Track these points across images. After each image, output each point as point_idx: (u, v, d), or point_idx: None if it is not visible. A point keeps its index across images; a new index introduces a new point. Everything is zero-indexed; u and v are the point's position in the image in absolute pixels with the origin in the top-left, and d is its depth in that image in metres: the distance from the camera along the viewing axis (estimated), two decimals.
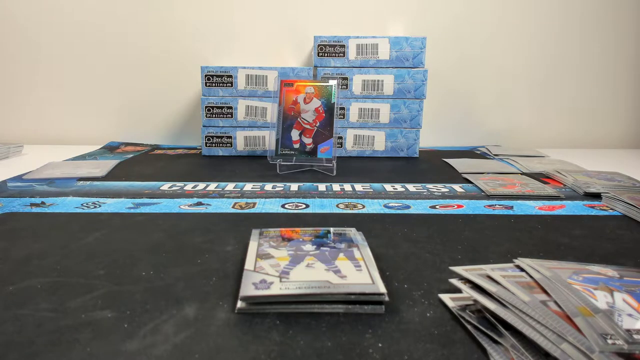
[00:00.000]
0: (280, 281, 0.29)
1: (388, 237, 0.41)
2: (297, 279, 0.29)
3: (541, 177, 0.66)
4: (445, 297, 0.29)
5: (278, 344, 0.25)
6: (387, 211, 0.49)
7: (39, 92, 0.96)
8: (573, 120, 1.00)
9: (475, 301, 0.27)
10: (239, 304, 0.28)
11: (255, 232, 0.38)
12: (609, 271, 0.29)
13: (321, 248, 0.35)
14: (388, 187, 0.60)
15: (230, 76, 0.80)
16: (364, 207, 0.51)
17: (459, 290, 0.29)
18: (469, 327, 0.26)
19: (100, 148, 0.90)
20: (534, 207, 0.51)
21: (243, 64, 0.92)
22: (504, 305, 0.25)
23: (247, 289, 0.28)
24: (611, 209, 0.51)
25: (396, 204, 0.52)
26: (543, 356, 0.22)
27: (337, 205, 0.51)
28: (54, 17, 0.92)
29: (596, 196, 0.56)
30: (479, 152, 0.90)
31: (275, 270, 0.31)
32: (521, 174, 0.68)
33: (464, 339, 0.25)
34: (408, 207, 0.51)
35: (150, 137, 0.97)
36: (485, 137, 0.99)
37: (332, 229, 0.39)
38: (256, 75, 0.80)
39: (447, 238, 0.41)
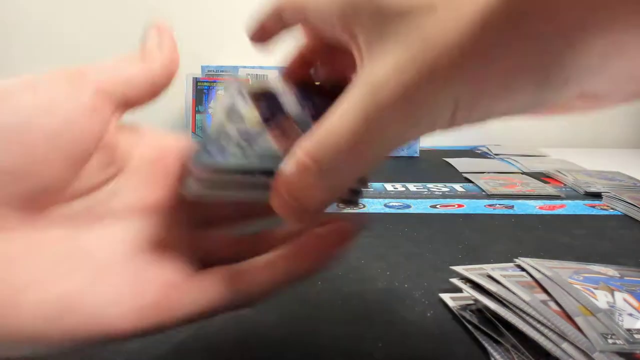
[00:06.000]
0: (239, 146, 0.20)
1: (388, 237, 0.41)
2: (260, 148, 0.21)
3: (542, 177, 0.66)
4: (446, 297, 0.29)
5: (276, 342, 0.25)
6: (388, 211, 0.49)
7: None
8: (573, 119, 1.00)
9: (476, 301, 0.27)
10: (191, 182, 0.19)
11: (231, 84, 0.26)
12: (610, 271, 0.29)
13: (306, 110, 0.24)
14: (388, 186, 0.60)
15: (231, 75, 0.80)
16: (364, 206, 0.51)
17: (459, 290, 0.29)
18: (469, 326, 0.26)
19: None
20: (534, 207, 0.51)
21: (243, 63, 0.92)
22: (504, 305, 0.25)
23: (200, 156, 0.20)
24: (612, 208, 0.51)
25: (397, 204, 0.52)
26: (544, 356, 0.22)
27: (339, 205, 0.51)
28: (54, 16, 0.92)
29: (597, 196, 0.56)
30: (479, 152, 0.90)
31: (244, 139, 0.22)
32: (522, 173, 0.68)
33: (464, 338, 0.25)
34: (408, 206, 0.51)
35: None
36: (486, 136, 0.99)
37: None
38: (256, 74, 0.80)
39: (448, 238, 0.41)
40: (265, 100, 0.24)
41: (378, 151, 0.16)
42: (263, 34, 0.24)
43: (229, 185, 0.19)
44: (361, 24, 0.17)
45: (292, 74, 0.25)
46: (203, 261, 0.20)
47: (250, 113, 0.23)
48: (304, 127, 0.21)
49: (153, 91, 0.21)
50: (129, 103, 0.20)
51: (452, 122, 0.16)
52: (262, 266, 0.19)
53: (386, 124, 0.15)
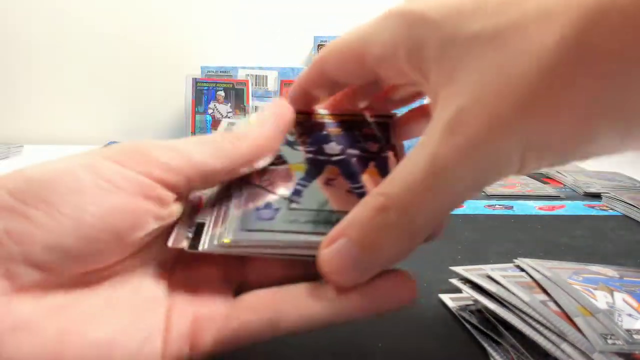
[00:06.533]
0: (289, 208, 0.20)
1: None
2: (308, 206, 0.20)
3: (541, 177, 0.66)
4: (445, 297, 0.29)
5: (276, 341, 0.25)
6: None
7: (39, 92, 0.96)
8: None
9: (475, 301, 0.27)
10: (230, 237, 0.19)
11: None
12: (609, 271, 0.29)
13: (348, 150, 0.23)
14: None
15: (230, 76, 0.80)
16: None
17: (459, 290, 0.29)
18: (468, 327, 0.26)
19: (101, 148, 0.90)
20: (534, 207, 0.51)
21: (243, 63, 0.92)
22: (504, 305, 0.25)
23: (249, 218, 0.20)
24: (611, 209, 0.51)
25: None
26: (543, 356, 0.22)
27: None
28: (53, 16, 0.92)
29: (596, 196, 0.56)
30: None
31: (286, 187, 0.21)
32: None
33: (464, 339, 0.25)
34: None
35: (151, 137, 0.97)
36: None
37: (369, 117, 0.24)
38: (256, 75, 0.80)
39: (447, 238, 0.41)
40: (305, 134, 0.23)
41: (448, 199, 0.16)
42: (306, 98, 0.23)
43: (269, 246, 0.19)
44: (430, 61, 0.16)
45: (333, 105, 0.24)
46: (241, 289, 0.20)
47: (292, 155, 0.22)
48: (349, 176, 0.22)
49: (228, 174, 0.20)
50: (193, 185, 0.19)
51: (522, 168, 0.15)
52: (300, 297, 0.18)
53: (456, 171, 0.15)
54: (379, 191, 0.17)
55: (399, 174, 0.16)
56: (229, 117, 0.72)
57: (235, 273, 0.21)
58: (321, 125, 0.24)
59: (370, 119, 0.24)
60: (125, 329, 0.17)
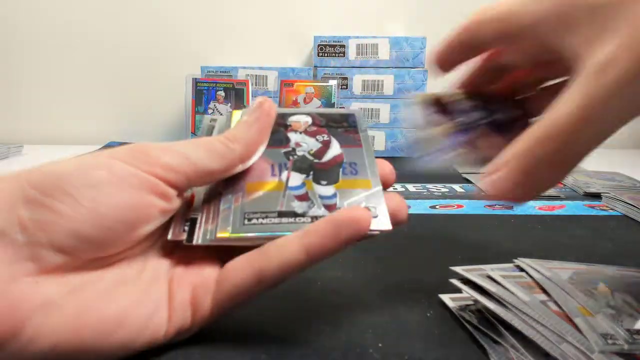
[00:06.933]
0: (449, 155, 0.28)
1: (388, 237, 0.41)
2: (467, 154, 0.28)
3: None
4: (445, 297, 0.29)
5: (276, 342, 0.25)
6: None
7: (39, 92, 0.96)
8: None
9: (476, 301, 0.27)
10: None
11: None
12: (609, 271, 0.29)
13: (490, 118, 0.29)
14: None
15: (230, 76, 0.80)
16: None
17: (459, 290, 0.29)
18: (469, 327, 0.26)
19: (101, 148, 0.90)
20: (534, 207, 0.51)
21: (243, 64, 0.92)
22: (504, 305, 0.25)
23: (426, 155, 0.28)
24: (611, 209, 0.51)
25: None
26: (543, 356, 0.22)
27: None
28: (53, 15, 0.92)
29: (596, 196, 0.56)
30: None
31: (443, 146, 0.29)
32: None
33: (464, 339, 0.25)
34: (408, 207, 0.51)
35: (151, 137, 0.97)
36: None
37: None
38: (256, 75, 0.80)
39: (447, 238, 0.41)
40: (449, 110, 0.28)
41: (601, 130, 0.19)
42: (446, 62, 0.27)
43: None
44: (580, 24, 0.20)
45: (466, 85, 0.29)
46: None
47: (439, 122, 0.28)
48: (498, 132, 0.27)
49: (224, 173, 0.23)
50: (191, 183, 0.22)
51: None
52: (277, 246, 0.21)
53: (607, 105, 0.18)
54: (537, 126, 0.20)
55: (554, 112, 0.20)
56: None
57: (226, 251, 0.24)
58: (459, 102, 0.29)
59: (499, 97, 0.29)
60: (135, 303, 0.20)
